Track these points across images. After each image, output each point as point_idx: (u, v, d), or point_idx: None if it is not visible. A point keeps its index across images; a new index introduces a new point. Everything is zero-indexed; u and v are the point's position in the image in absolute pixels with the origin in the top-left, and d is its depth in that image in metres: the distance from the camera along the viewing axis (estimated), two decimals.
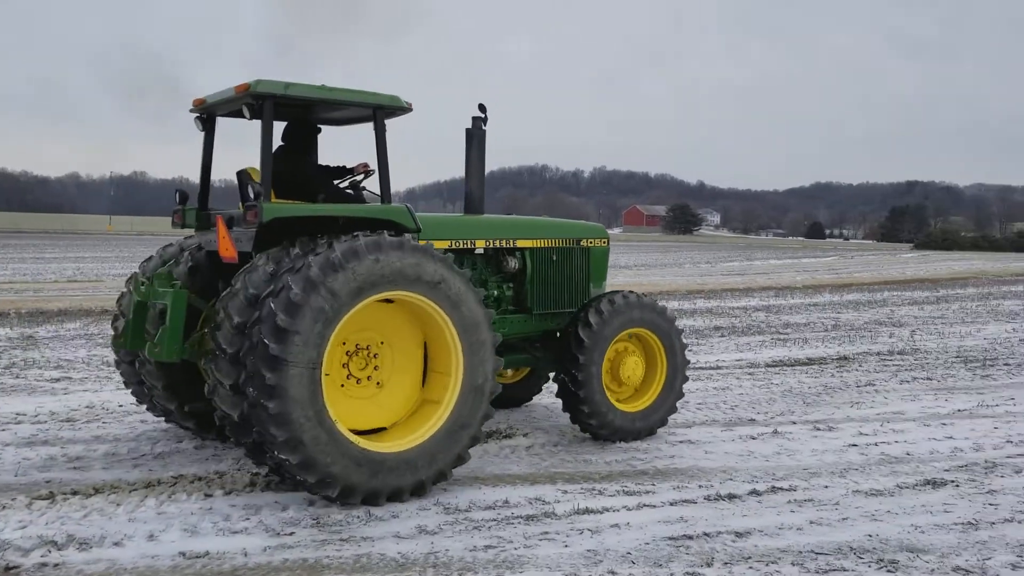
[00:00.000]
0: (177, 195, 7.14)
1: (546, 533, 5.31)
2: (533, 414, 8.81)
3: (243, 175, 6.95)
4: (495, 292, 7.69)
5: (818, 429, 8.28)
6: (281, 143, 6.81)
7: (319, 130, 7.34)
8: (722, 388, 10.41)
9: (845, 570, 4.77)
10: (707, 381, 10.86)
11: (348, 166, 7.18)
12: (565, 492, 6.17)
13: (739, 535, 5.30)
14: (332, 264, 5.58)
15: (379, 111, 6.59)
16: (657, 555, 4.97)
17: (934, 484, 6.44)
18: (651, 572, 4.73)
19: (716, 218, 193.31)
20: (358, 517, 5.56)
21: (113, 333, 7.22)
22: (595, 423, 7.53)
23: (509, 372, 8.81)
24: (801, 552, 5.02)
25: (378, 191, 6.60)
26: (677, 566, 4.81)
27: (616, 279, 31.75)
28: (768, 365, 12.26)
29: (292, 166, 6.68)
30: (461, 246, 7.32)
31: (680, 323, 17.33)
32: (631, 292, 7.93)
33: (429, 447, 6.00)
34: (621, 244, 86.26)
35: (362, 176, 7.15)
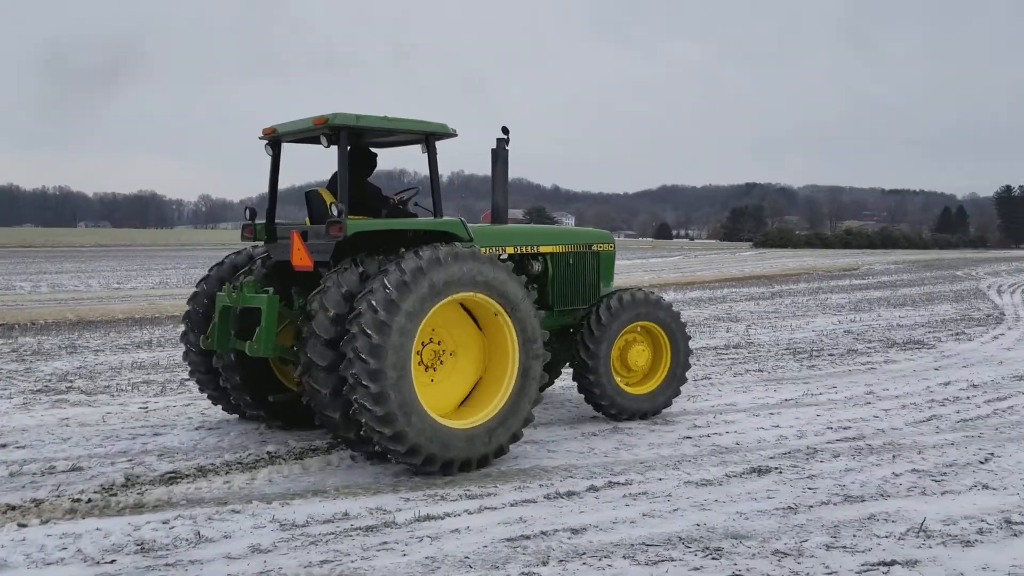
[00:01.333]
0: (247, 212, 7.95)
1: (385, 543, 5.24)
2: None
3: (313, 195, 7.75)
4: None
5: (656, 423, 8.57)
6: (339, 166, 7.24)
7: (376, 155, 8.19)
8: (568, 387, 10.58)
9: (673, 560, 4.94)
10: (556, 381, 11.02)
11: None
12: (407, 500, 6.12)
13: (575, 532, 5.40)
14: (419, 269, 6.51)
15: (430, 136, 7.59)
16: (495, 557, 4.99)
17: (759, 472, 6.78)
18: (488, 575, 4.74)
19: (571, 220, 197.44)
20: (186, 540, 5.31)
21: (187, 330, 8.24)
22: (605, 403, 8.57)
23: None
24: (633, 545, 5.17)
25: (427, 208, 7.69)
26: (514, 567, 4.85)
27: None
28: None
29: (356, 187, 7.52)
30: (495, 251, 8.21)
31: None
32: (639, 289, 8.95)
33: (490, 426, 6.96)
34: None
35: (413, 193, 8.24)
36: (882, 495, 6.16)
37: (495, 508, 5.91)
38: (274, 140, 7.86)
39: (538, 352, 7.21)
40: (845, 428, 8.32)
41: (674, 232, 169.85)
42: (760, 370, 11.88)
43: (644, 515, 5.74)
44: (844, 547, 5.13)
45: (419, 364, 6.97)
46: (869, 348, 14.04)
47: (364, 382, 6.30)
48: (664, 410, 8.93)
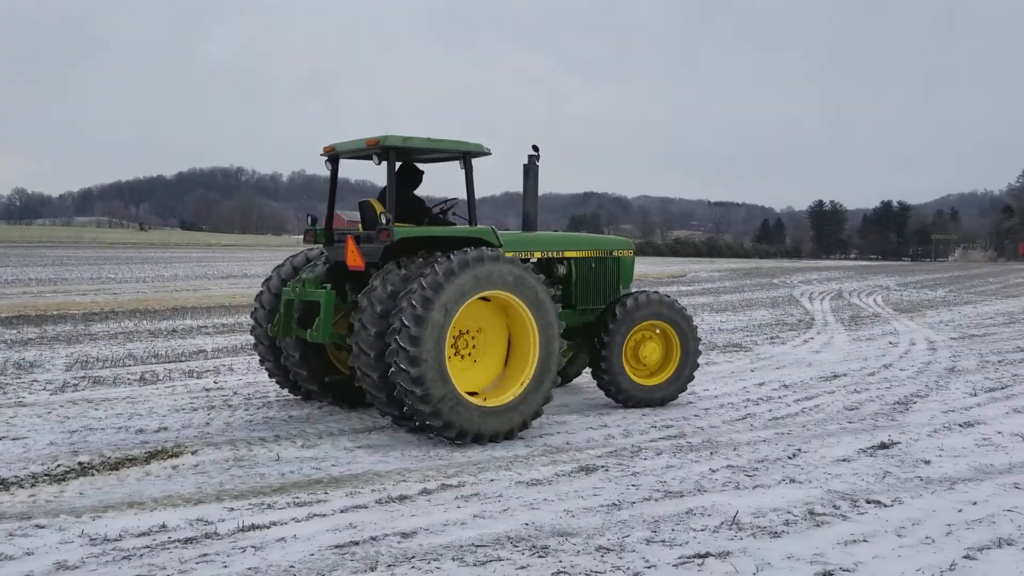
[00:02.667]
0: (309, 218, 9.20)
1: (205, 555, 5.01)
2: (208, 429, 8.33)
3: (366, 205, 8.96)
4: None
5: None
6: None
7: (423, 171, 9.19)
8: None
9: (501, 560, 5.00)
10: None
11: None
12: (231, 510, 5.88)
13: (405, 535, 5.37)
14: (451, 271, 7.57)
15: (467, 155, 8.68)
16: (321, 565, 4.88)
17: (587, 470, 6.98)
18: None
19: None
20: None
21: (254, 324, 9.47)
22: (614, 390, 9.53)
23: None
24: (462, 546, 5.19)
25: (463, 216, 8.92)
26: (340, 573, 4.76)
27: None
28: None
29: (402, 198, 8.66)
30: (524, 256, 9.19)
31: None
32: (654, 292, 9.98)
33: (515, 403, 8.04)
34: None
35: (453, 203, 9.37)
36: (699, 490, 6.48)
37: (324, 515, 5.78)
38: (332, 157, 9.00)
39: (555, 339, 8.25)
40: (668, 427, 8.71)
41: None
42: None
43: (475, 516, 5.78)
44: (663, 541, 5.35)
45: (453, 351, 8.10)
46: None
47: (405, 367, 7.39)
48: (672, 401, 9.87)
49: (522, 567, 4.90)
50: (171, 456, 7.29)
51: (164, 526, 5.49)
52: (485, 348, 8.39)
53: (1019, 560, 5.12)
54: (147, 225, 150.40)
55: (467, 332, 8.28)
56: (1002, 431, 8.65)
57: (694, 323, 10.09)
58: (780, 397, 10.44)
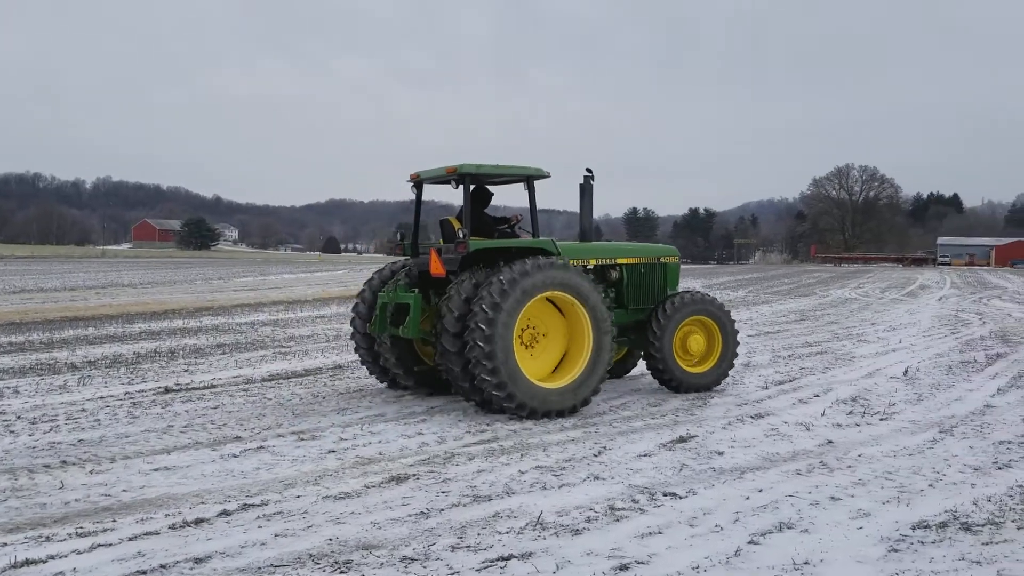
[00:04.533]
0: (399, 235, 10.97)
1: None
2: None
3: (445, 222, 10.46)
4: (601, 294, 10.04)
5: (302, 439, 8.40)
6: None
7: (492, 192, 10.74)
8: (213, 407, 10.08)
9: None
10: (198, 402, 10.43)
11: (506, 216, 10.81)
12: (4, 545, 5.38)
13: (199, 561, 5.09)
14: (514, 277, 9.10)
15: (530, 178, 10.36)
16: None
17: (398, 480, 6.90)
18: None
19: (234, 233, 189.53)
20: None
21: (355, 318, 11.03)
22: (668, 378, 10.83)
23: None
24: (260, 568, 4.98)
25: (527, 230, 10.66)
26: None
27: (120, 298, 29.26)
28: (264, 380, 12.22)
29: (475, 216, 10.19)
30: (581, 263, 10.68)
31: (184, 342, 16.55)
32: (697, 291, 11.40)
33: (573, 387, 9.49)
34: (129, 261, 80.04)
35: (517, 221, 10.66)
36: (508, 492, 6.56)
37: (110, 544, 5.39)
38: (417, 183, 10.63)
39: (607, 332, 9.68)
40: (483, 431, 8.77)
41: (342, 246, 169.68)
42: None
43: (276, 536, 5.57)
44: (468, 546, 5.37)
45: (520, 344, 9.53)
46: None
47: (482, 360, 8.96)
48: (715, 387, 11.23)
49: None
50: None
51: None
52: (547, 341, 9.90)
53: (796, 542, 5.50)
54: None
55: (532, 327, 9.77)
56: (788, 421, 9.31)
57: (732, 317, 11.46)
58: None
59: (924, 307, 28.06)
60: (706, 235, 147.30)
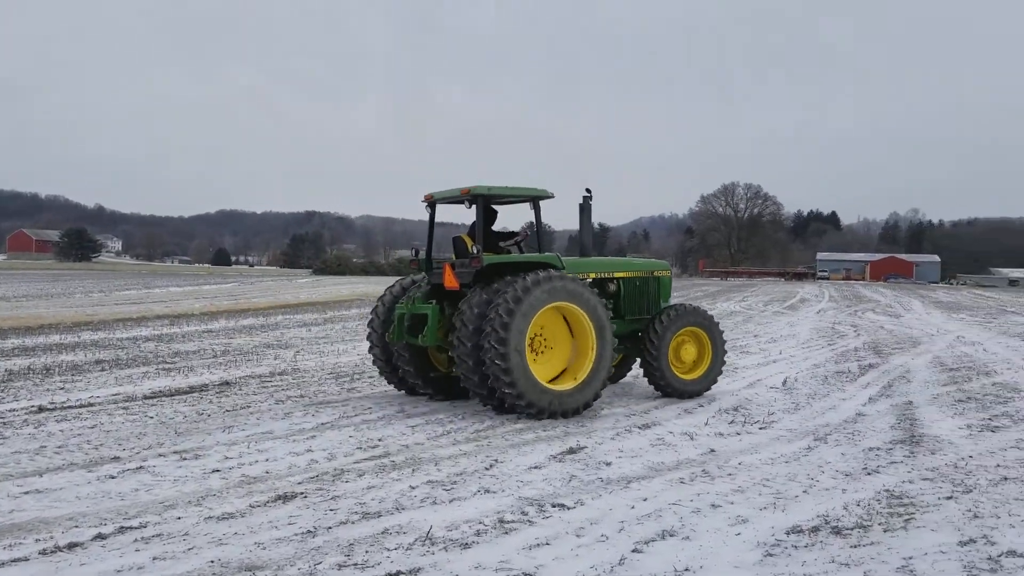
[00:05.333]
0: (415, 251, 11.79)
1: None
2: None
3: (458, 240, 11.33)
4: None
5: (184, 459, 8.13)
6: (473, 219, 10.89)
7: (497, 211, 11.43)
8: (90, 427, 9.65)
9: None
10: (74, 421, 9.98)
11: (514, 230, 11.61)
12: None
13: None
14: (526, 288, 9.94)
15: (536, 198, 11.14)
16: None
17: (284, 498, 6.77)
18: None
19: (118, 244, 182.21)
20: None
21: (371, 332, 11.90)
22: (663, 384, 11.71)
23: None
24: None
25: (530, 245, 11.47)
26: None
27: None
28: (147, 397, 11.78)
29: (484, 232, 10.92)
30: (582, 277, 11.29)
31: (60, 358, 15.82)
32: (689, 304, 12.37)
33: (578, 390, 10.35)
34: (3, 273, 75.69)
35: (524, 236, 11.44)
36: (398, 508, 6.52)
37: None
38: (431, 203, 11.39)
39: (608, 340, 10.57)
40: (374, 447, 8.70)
41: (233, 258, 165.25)
42: (302, 395, 11.96)
43: (155, 559, 5.39)
44: (356, 564, 5.32)
45: (531, 349, 10.29)
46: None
47: (496, 362, 9.78)
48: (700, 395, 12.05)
49: None
50: None
51: None
52: (554, 347, 10.71)
53: (678, 550, 5.67)
54: None
55: (540, 335, 10.55)
56: (673, 431, 9.59)
57: (721, 328, 12.32)
58: (484, 411, 10.81)
59: (804, 320, 29.35)
60: (600, 249, 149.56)
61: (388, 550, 5.58)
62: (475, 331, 10.00)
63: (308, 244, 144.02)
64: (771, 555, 5.57)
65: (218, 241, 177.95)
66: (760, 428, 9.83)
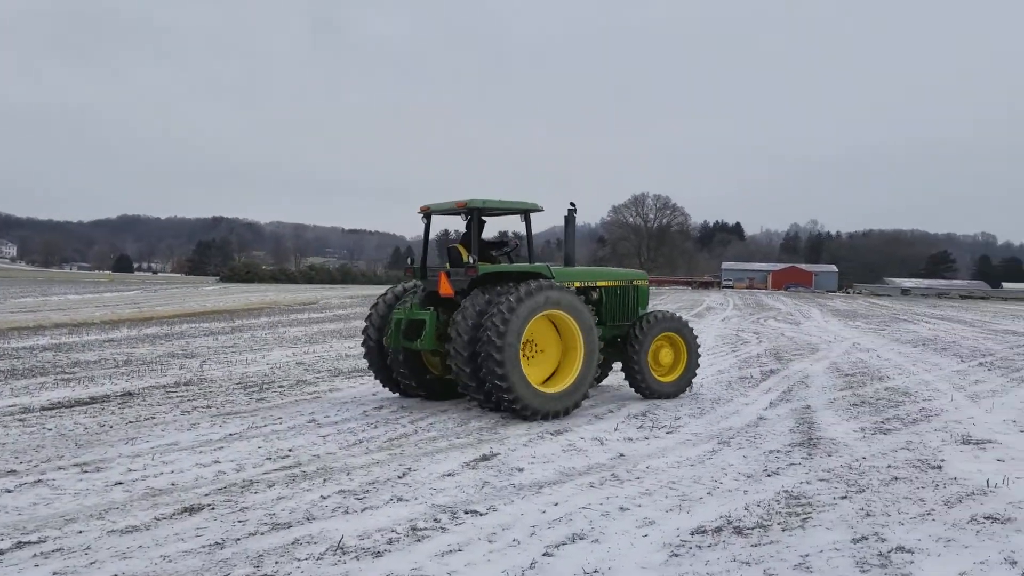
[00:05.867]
0: (410, 260, 12.44)
1: None
2: None
3: (453, 249, 12.11)
4: None
5: (86, 471, 7.88)
6: (463, 229, 11.97)
7: (486, 221, 12.00)
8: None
9: None
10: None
11: (504, 239, 12.52)
12: None
13: None
14: (520, 297, 10.60)
15: (527, 211, 11.84)
16: None
17: (191, 510, 6.63)
18: None
19: (12, 250, 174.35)
20: None
21: (367, 338, 12.48)
22: (643, 387, 12.48)
23: None
24: None
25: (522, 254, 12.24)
26: None
27: None
28: (45, 408, 11.34)
29: (478, 243, 11.58)
30: (568, 285, 11.66)
31: None
32: (665, 311, 13.15)
33: (568, 391, 10.98)
34: None
35: (514, 246, 12.24)
36: (308, 519, 6.47)
37: None
38: (427, 214, 12.13)
39: (595, 345, 11.27)
40: (284, 457, 8.58)
41: (136, 265, 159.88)
42: (209, 406, 11.69)
43: (55, 574, 5.23)
44: (266, 575, 5.26)
45: (523, 354, 10.88)
46: (317, 378, 14.75)
47: (493, 367, 10.35)
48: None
49: None
50: None
51: None
52: (544, 351, 11.33)
53: (588, 552, 5.80)
54: None
55: (532, 340, 11.15)
56: (584, 436, 9.77)
57: (695, 334, 13.22)
58: (397, 419, 10.80)
59: (709, 327, 30.17)
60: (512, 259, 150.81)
61: (298, 560, 5.54)
62: (471, 336, 10.62)
63: (215, 251, 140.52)
64: (676, 555, 5.76)
65: (120, 247, 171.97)
66: (667, 433, 10.11)
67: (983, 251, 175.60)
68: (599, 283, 12.82)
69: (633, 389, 12.65)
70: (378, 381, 12.73)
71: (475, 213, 11.41)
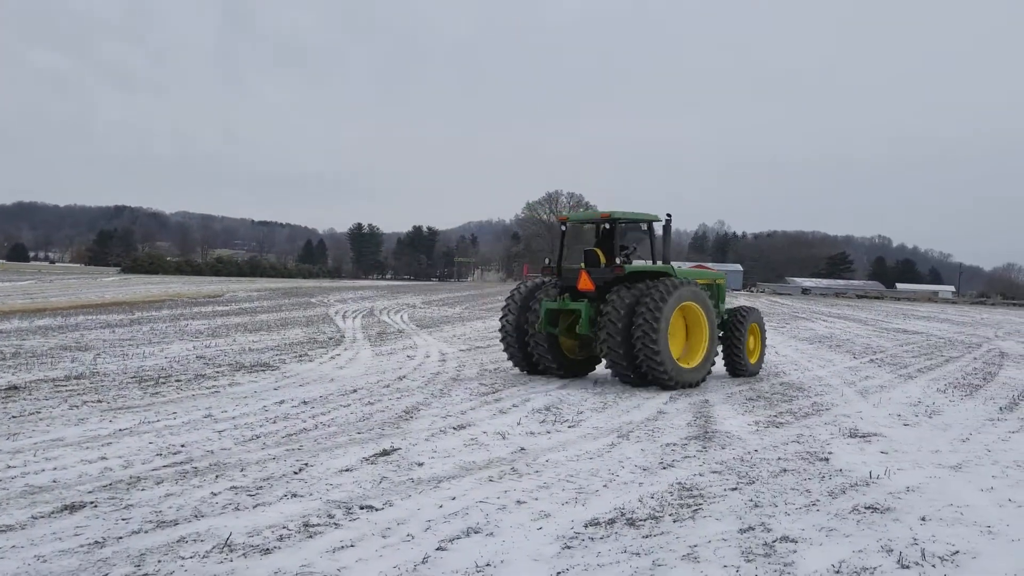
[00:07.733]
0: (548, 260, 15.13)
1: None
2: None
3: (590, 252, 14.73)
4: None
5: None
6: (595, 236, 15.20)
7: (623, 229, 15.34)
8: None
9: None
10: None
11: (624, 245, 15.22)
12: None
13: None
14: (668, 290, 13.39)
15: (652, 222, 14.76)
16: None
17: (72, 508, 6.36)
18: None
19: None
20: None
21: (504, 324, 15.16)
22: (741, 368, 15.75)
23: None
24: None
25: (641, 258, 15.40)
26: None
27: None
28: None
29: (609, 247, 14.78)
30: (695, 283, 14.36)
31: None
32: (747, 306, 16.36)
33: (699, 366, 13.90)
34: None
35: (633, 249, 14.98)
36: (196, 516, 6.28)
37: None
38: (564, 222, 14.94)
39: (715, 331, 14.23)
40: (175, 453, 8.32)
41: (32, 254, 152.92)
42: (100, 400, 11.24)
43: None
44: (146, 575, 5.08)
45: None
46: (217, 372, 14.36)
47: (649, 345, 12.97)
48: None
49: None
50: None
51: None
52: (674, 337, 13.76)
53: (482, 546, 5.80)
54: None
55: (671, 326, 13.58)
56: (487, 431, 9.78)
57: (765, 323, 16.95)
58: (298, 414, 10.60)
59: None
60: (429, 253, 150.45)
61: (183, 559, 5.37)
62: (625, 324, 13.14)
63: (117, 240, 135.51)
64: (569, 547, 5.81)
65: (14, 235, 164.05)
66: (569, 427, 10.20)
67: (879, 253, 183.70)
68: (699, 281, 15.22)
69: (729, 372, 15.72)
70: (511, 362, 15.28)
71: (616, 223, 14.40)
